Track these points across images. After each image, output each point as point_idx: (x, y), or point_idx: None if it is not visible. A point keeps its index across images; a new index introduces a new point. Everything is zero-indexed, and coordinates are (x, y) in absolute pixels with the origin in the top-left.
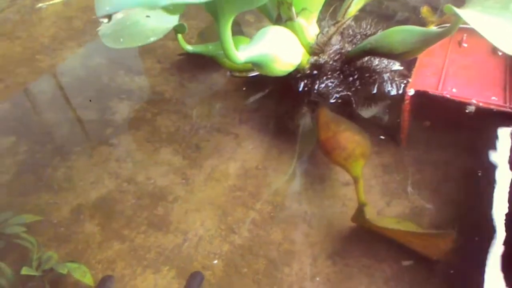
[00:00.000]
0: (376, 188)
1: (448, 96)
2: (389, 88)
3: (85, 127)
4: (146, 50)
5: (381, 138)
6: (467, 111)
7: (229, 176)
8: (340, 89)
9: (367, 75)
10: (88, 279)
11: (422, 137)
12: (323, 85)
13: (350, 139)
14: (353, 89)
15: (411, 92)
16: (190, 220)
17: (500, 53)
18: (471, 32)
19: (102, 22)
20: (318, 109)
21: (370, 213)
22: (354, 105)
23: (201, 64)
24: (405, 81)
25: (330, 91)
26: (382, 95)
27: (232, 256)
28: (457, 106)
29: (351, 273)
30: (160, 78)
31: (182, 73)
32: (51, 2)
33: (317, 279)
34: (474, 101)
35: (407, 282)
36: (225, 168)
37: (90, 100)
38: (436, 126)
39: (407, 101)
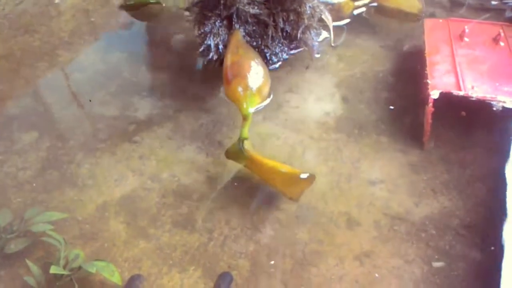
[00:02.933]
0: (403, 188)
1: (473, 96)
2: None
3: (107, 123)
4: (167, 46)
5: (407, 136)
6: (494, 109)
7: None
8: (260, 11)
9: None
10: (116, 278)
11: (448, 135)
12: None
13: (253, 69)
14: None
15: (435, 94)
16: (215, 219)
17: (502, 44)
18: (470, 25)
19: None
20: (232, 31)
21: (248, 148)
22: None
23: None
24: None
25: (249, 10)
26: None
27: (258, 256)
28: (481, 104)
29: (380, 275)
30: (181, 73)
31: (204, 69)
32: None
33: (345, 280)
34: (500, 98)
35: (438, 284)
36: None
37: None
38: (461, 124)
39: (430, 104)
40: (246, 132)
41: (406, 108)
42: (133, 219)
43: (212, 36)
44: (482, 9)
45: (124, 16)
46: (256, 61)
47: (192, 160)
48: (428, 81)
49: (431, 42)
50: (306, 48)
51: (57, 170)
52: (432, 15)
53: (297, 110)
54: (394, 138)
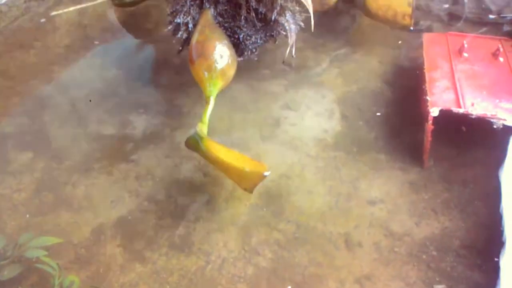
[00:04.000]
0: (404, 207)
1: (473, 113)
2: None
3: (104, 142)
4: (164, 62)
5: (406, 154)
6: (494, 126)
7: (251, 194)
8: None
9: None
10: None
11: (448, 153)
12: None
13: (218, 50)
14: None
15: (434, 112)
16: (212, 241)
17: (501, 59)
18: (468, 39)
19: None
20: (202, 10)
21: (202, 135)
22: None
23: None
24: None
25: None
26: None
27: (257, 280)
28: (481, 121)
29: None
30: (178, 90)
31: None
32: (65, 10)
33: None
34: (500, 116)
35: None
36: None
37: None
38: (462, 142)
39: (430, 122)
40: (205, 116)
41: (405, 125)
42: (129, 242)
43: (182, 15)
44: (480, 23)
45: (121, 32)
46: (222, 42)
47: (189, 180)
48: (428, 98)
49: (430, 57)
50: (284, 33)
51: (52, 192)
52: (429, 29)
53: (295, 127)
54: (393, 156)
